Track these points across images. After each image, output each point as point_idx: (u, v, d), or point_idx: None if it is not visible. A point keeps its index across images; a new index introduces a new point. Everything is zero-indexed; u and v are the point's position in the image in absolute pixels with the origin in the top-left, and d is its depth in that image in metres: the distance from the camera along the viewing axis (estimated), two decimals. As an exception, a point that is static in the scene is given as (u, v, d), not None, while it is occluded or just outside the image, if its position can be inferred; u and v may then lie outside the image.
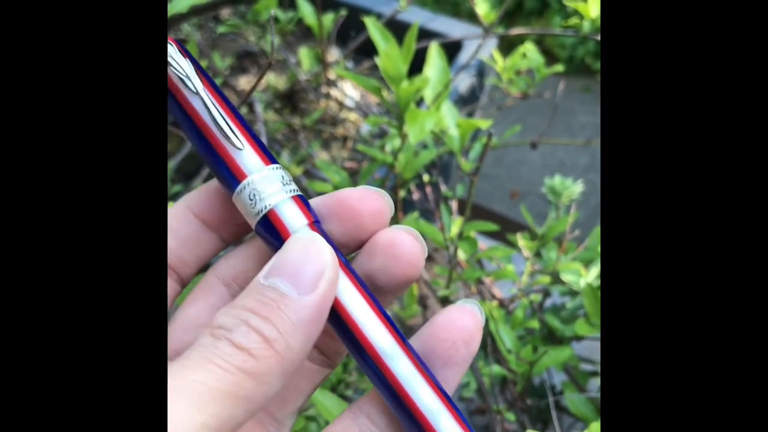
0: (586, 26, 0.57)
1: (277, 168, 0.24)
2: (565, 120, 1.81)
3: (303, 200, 0.24)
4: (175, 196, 0.76)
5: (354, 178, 0.71)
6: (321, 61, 0.78)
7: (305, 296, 0.20)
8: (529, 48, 0.66)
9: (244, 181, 0.23)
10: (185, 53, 0.24)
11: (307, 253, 0.21)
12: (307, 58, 0.79)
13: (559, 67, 0.66)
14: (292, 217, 0.23)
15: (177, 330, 0.25)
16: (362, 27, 0.50)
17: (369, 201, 0.24)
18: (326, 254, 0.21)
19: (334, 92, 0.84)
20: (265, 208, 0.23)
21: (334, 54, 0.88)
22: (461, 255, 0.60)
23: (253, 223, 0.23)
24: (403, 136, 0.50)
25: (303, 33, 0.99)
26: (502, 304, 0.66)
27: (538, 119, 1.60)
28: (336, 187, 0.54)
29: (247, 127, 0.24)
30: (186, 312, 0.25)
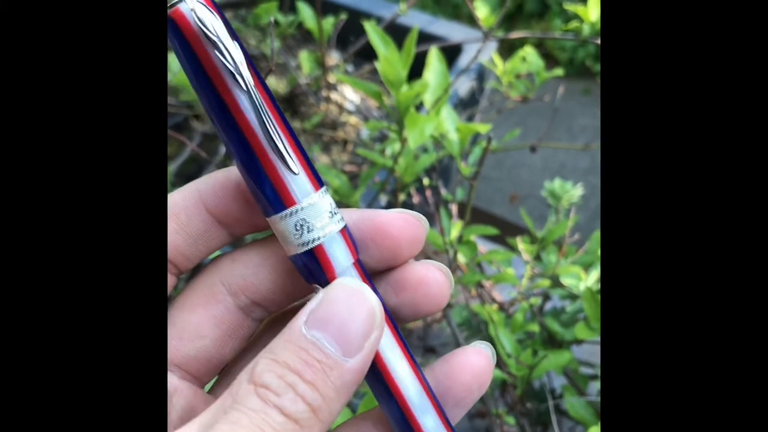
0: (586, 30, 0.57)
1: (325, 193, 0.22)
2: (565, 122, 1.82)
3: (348, 233, 0.22)
4: (176, 200, 0.76)
5: (354, 181, 0.71)
6: (321, 65, 0.78)
7: (350, 359, 0.20)
8: (529, 52, 0.66)
9: (292, 208, 0.21)
10: (232, 33, 0.20)
11: (356, 309, 0.20)
12: (307, 62, 0.79)
13: (558, 72, 0.66)
14: (339, 255, 0.22)
15: (174, 338, 0.24)
16: (362, 30, 0.50)
17: (409, 229, 0.23)
18: (375, 313, 0.21)
19: (334, 96, 0.84)
20: (313, 242, 0.21)
21: (334, 58, 0.89)
22: (461, 259, 0.60)
23: (292, 251, 0.22)
24: (403, 141, 0.51)
25: (303, 36, 0.99)
26: (502, 308, 0.66)
27: (538, 121, 1.60)
28: (336, 191, 0.54)
29: (297, 141, 0.22)
30: (186, 319, 0.24)
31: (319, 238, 0.21)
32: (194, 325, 0.24)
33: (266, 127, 0.20)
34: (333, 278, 0.22)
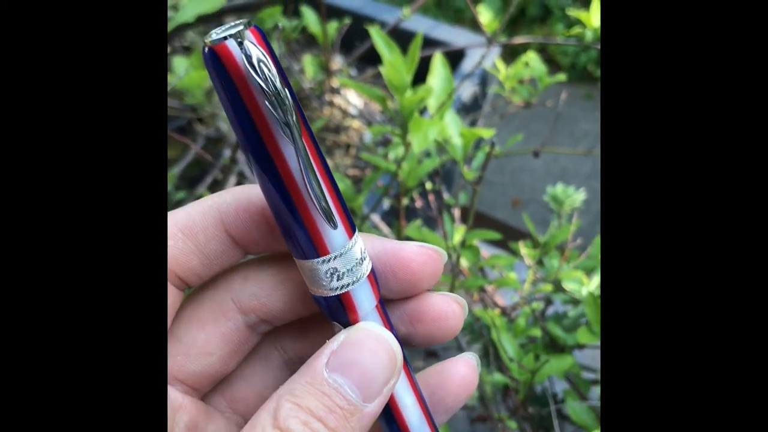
0: (589, 35, 0.57)
1: (357, 239, 0.21)
2: (567, 127, 1.82)
3: (374, 275, 0.22)
4: (179, 203, 0.76)
5: (358, 185, 0.72)
6: (325, 69, 0.79)
7: (369, 404, 0.20)
8: (532, 57, 0.66)
9: (325, 257, 0.21)
10: (282, 76, 0.18)
11: (379, 356, 0.21)
12: (311, 66, 0.79)
13: (561, 77, 0.66)
14: (365, 299, 0.22)
15: (181, 355, 0.23)
16: (366, 34, 0.50)
17: (430, 263, 0.23)
18: (397, 361, 0.21)
19: (337, 100, 0.84)
20: (341, 288, 0.21)
21: (337, 62, 0.89)
22: (464, 263, 0.60)
23: (318, 293, 0.22)
24: (407, 145, 0.51)
25: (306, 40, 1.00)
26: (504, 312, 0.66)
27: (540, 126, 1.60)
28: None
29: (337, 189, 0.21)
30: (194, 336, 0.24)
31: (348, 285, 0.21)
32: (202, 342, 0.24)
33: (310, 180, 0.19)
34: (356, 320, 0.22)
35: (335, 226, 0.20)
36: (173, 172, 0.70)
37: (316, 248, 0.20)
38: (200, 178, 0.81)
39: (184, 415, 0.23)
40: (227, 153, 0.80)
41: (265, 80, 0.18)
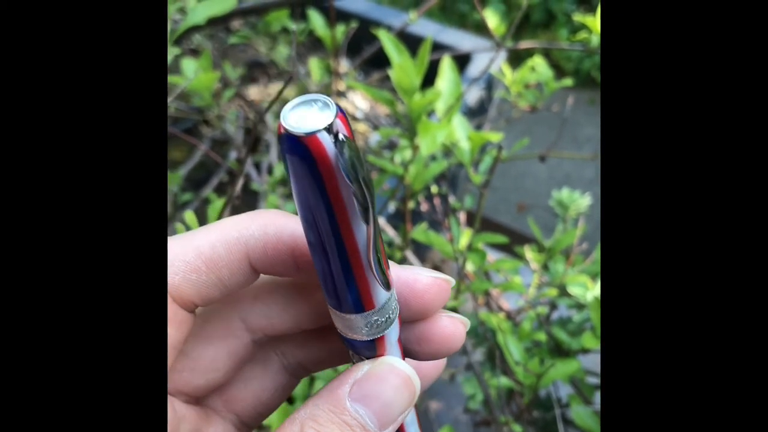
0: (594, 40, 0.57)
1: (393, 292, 0.22)
2: (571, 132, 1.82)
3: (399, 314, 0.23)
4: (185, 205, 0.77)
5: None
6: (331, 73, 0.79)
7: (384, 430, 0.21)
8: (538, 62, 0.67)
9: (368, 312, 0.21)
10: (365, 162, 0.18)
11: (401, 392, 0.22)
12: (317, 69, 0.79)
13: (567, 81, 0.67)
14: (392, 336, 0.22)
15: (187, 370, 0.24)
16: (371, 38, 0.50)
17: (442, 294, 0.23)
18: (416, 395, 0.22)
19: (343, 103, 0.85)
20: (377, 334, 0.22)
21: (343, 66, 0.89)
22: (469, 267, 0.60)
23: (349, 336, 0.22)
24: (415, 148, 0.51)
25: (312, 44, 1.00)
26: (509, 317, 0.66)
27: (544, 131, 1.60)
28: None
29: (384, 252, 0.21)
30: (201, 353, 0.24)
31: (382, 331, 0.22)
32: (209, 359, 0.24)
33: (377, 256, 0.20)
34: (381, 354, 0.23)
35: (388, 289, 0.21)
36: (179, 174, 0.71)
37: (363, 305, 0.21)
38: (206, 180, 0.81)
39: (187, 424, 0.24)
40: (232, 156, 0.81)
41: (356, 175, 0.17)
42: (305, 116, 0.17)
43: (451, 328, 0.24)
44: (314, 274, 0.21)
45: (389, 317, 0.22)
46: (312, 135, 0.17)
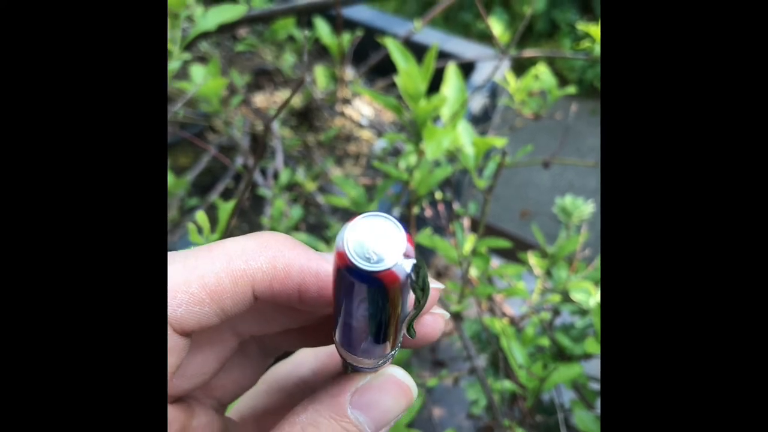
0: (597, 49, 0.58)
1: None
2: (574, 142, 1.83)
3: None
4: (192, 210, 0.77)
5: (369, 193, 0.72)
6: (337, 80, 0.80)
7: None
8: (542, 70, 0.67)
9: (380, 360, 0.22)
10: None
11: (400, 401, 0.23)
12: (322, 77, 0.80)
13: (571, 89, 0.67)
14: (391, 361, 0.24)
15: (176, 377, 0.24)
16: (376, 46, 0.51)
17: (441, 328, 0.25)
18: (411, 402, 0.24)
19: (348, 110, 0.85)
20: (384, 364, 0.23)
21: (349, 73, 0.90)
22: (473, 272, 0.60)
23: (359, 365, 0.23)
24: (420, 153, 0.51)
25: (318, 51, 1.01)
26: (512, 322, 0.66)
27: (547, 139, 1.61)
28: (353, 202, 0.55)
29: None
30: (190, 359, 0.24)
31: (389, 360, 0.23)
32: (198, 365, 0.24)
33: (410, 329, 0.21)
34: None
35: (394, 352, 0.22)
36: (186, 179, 0.71)
37: (382, 356, 0.22)
38: (212, 186, 0.82)
39: (175, 423, 0.24)
40: (239, 161, 0.81)
41: (424, 286, 0.17)
42: (368, 240, 0.17)
43: (432, 324, 0.25)
44: (317, 307, 0.22)
45: (396, 350, 0.23)
46: (387, 270, 0.16)
